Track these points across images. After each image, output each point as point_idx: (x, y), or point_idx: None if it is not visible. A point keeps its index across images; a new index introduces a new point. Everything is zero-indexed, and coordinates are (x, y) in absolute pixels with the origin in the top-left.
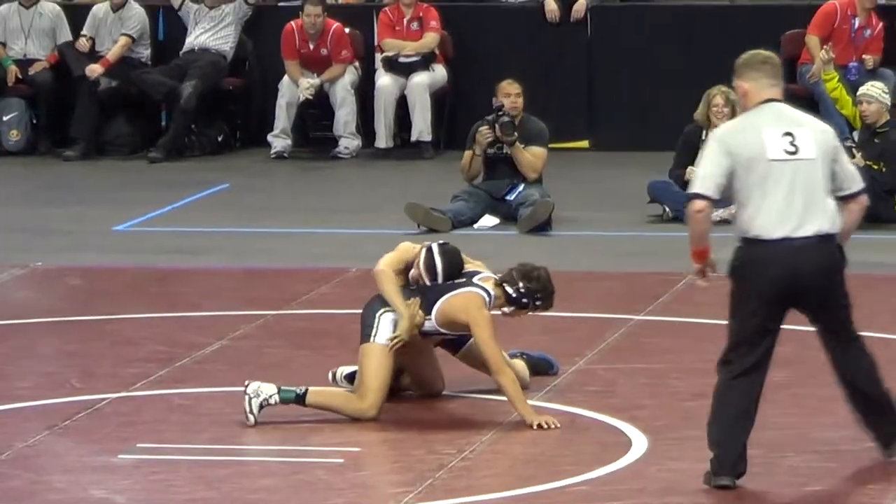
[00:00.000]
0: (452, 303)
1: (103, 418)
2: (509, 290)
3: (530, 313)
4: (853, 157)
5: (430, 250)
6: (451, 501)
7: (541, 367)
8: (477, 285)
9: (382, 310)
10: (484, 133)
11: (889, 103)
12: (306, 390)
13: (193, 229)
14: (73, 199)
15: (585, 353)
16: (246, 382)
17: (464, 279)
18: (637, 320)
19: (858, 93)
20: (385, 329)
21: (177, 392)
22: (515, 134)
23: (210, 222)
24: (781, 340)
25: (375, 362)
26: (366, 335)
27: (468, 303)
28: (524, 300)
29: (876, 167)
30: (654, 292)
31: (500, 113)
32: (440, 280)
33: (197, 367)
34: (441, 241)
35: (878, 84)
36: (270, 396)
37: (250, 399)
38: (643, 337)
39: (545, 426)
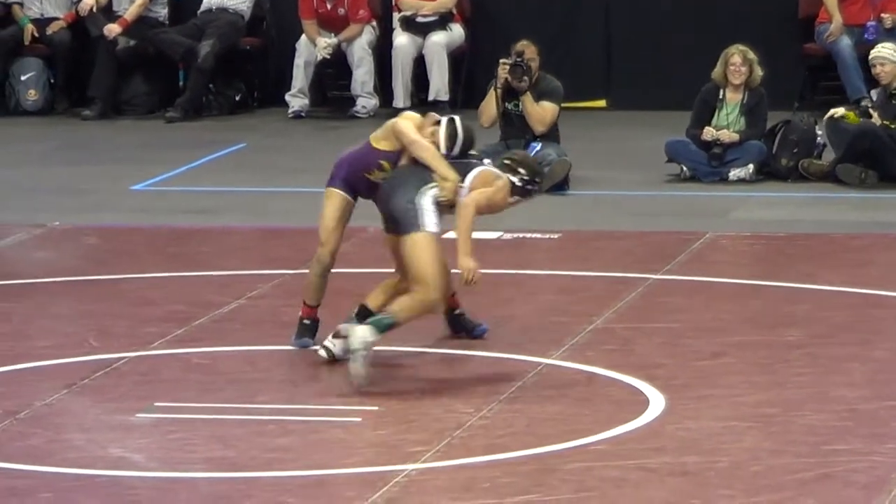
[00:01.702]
0: (486, 178)
1: (121, 377)
2: (514, 179)
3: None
4: (870, 116)
5: (453, 119)
6: (469, 460)
7: (467, 325)
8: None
9: (417, 194)
10: (503, 67)
11: None
12: (393, 318)
13: (211, 189)
14: (90, 158)
15: (603, 313)
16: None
17: (475, 161)
18: (654, 279)
19: (871, 56)
20: (431, 215)
21: (194, 351)
22: (526, 80)
23: (227, 182)
24: (797, 299)
25: (430, 251)
26: (411, 224)
27: (499, 184)
28: (528, 187)
29: (893, 126)
30: (671, 252)
31: (518, 59)
32: (455, 152)
33: (214, 327)
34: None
35: (889, 45)
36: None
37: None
38: (660, 296)
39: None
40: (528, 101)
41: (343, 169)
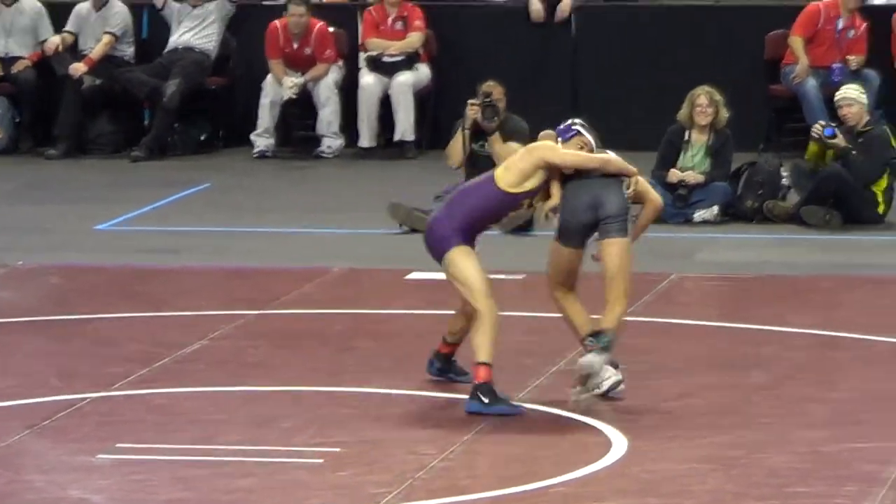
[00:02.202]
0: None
1: (83, 418)
2: None
3: None
4: (835, 136)
5: (576, 122)
6: (432, 502)
7: (457, 371)
8: None
9: (622, 196)
10: (472, 108)
11: (867, 103)
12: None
13: (175, 228)
14: (55, 197)
15: (567, 354)
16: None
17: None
18: None
19: (837, 97)
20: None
21: (157, 392)
22: (496, 120)
23: (192, 221)
24: (761, 342)
25: (630, 262)
26: (624, 229)
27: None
28: None
29: (854, 153)
30: (636, 293)
31: (488, 99)
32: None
33: (177, 367)
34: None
35: (854, 86)
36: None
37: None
38: (625, 337)
39: None
40: (496, 142)
41: (463, 224)
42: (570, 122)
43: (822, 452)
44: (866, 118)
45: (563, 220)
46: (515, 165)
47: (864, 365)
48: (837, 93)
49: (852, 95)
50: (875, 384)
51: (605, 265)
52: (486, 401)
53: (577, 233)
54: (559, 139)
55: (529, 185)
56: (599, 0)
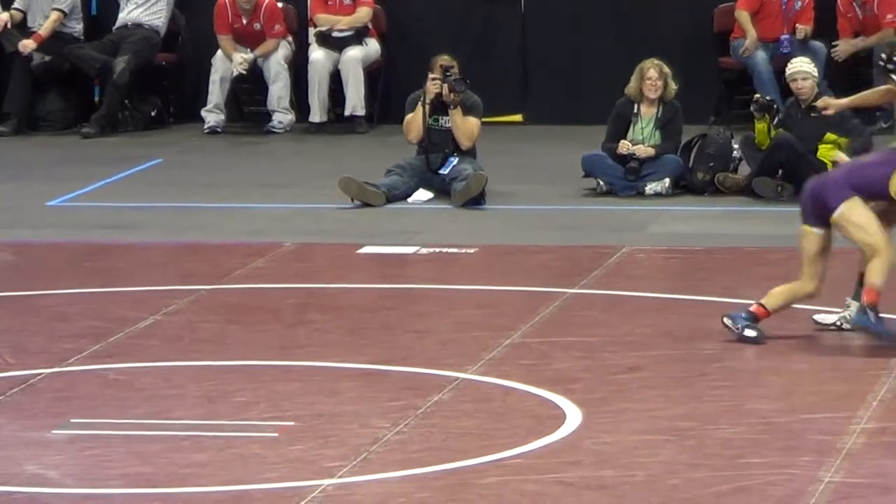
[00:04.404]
0: None
1: (37, 394)
2: None
3: None
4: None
5: None
6: (386, 475)
7: None
8: None
9: None
10: (434, 82)
11: (817, 75)
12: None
13: (127, 204)
14: (5, 174)
15: (519, 327)
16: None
17: None
18: (571, 294)
19: (789, 71)
20: None
21: (111, 367)
22: (465, 90)
23: (143, 197)
24: (714, 313)
25: None
26: None
27: None
28: None
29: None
30: (588, 266)
31: (449, 74)
32: None
33: (131, 343)
34: None
35: (805, 59)
36: None
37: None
38: (577, 310)
39: None
40: (458, 116)
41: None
42: None
43: (775, 423)
44: (816, 91)
45: None
46: None
47: (816, 336)
48: (789, 67)
49: (806, 69)
50: (827, 355)
51: None
52: (873, 320)
53: None
54: None
55: None
56: None
